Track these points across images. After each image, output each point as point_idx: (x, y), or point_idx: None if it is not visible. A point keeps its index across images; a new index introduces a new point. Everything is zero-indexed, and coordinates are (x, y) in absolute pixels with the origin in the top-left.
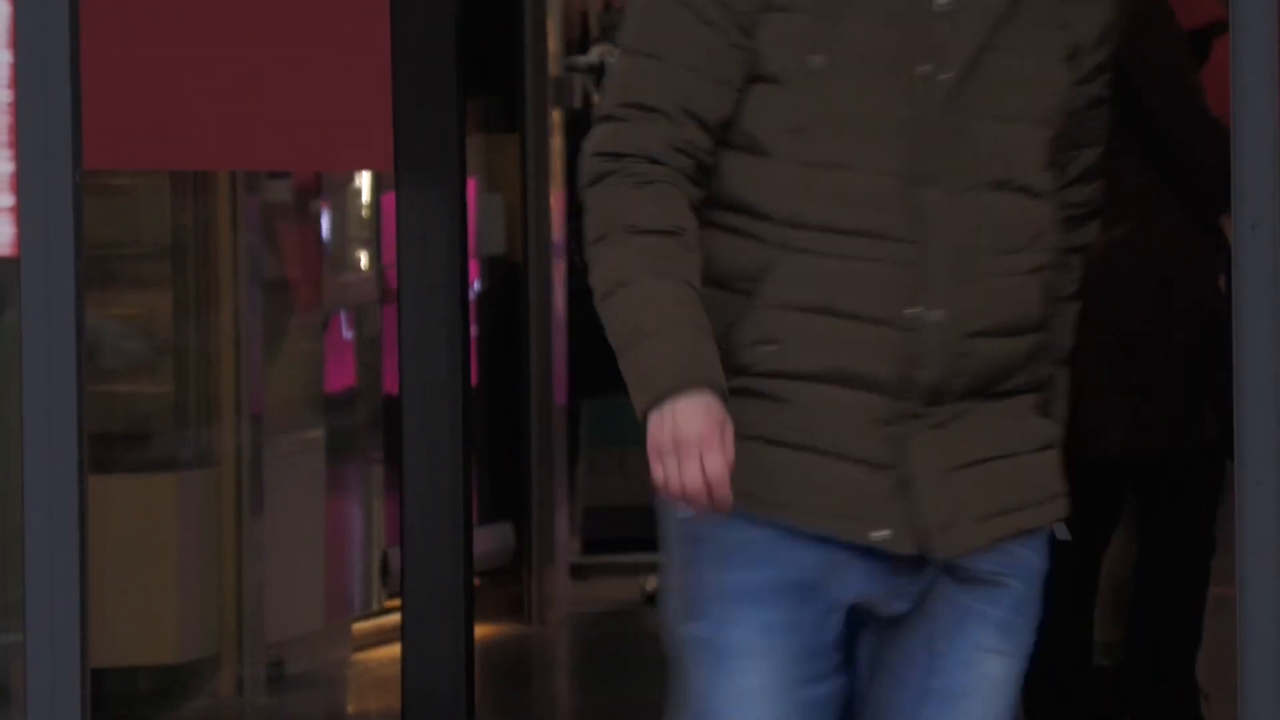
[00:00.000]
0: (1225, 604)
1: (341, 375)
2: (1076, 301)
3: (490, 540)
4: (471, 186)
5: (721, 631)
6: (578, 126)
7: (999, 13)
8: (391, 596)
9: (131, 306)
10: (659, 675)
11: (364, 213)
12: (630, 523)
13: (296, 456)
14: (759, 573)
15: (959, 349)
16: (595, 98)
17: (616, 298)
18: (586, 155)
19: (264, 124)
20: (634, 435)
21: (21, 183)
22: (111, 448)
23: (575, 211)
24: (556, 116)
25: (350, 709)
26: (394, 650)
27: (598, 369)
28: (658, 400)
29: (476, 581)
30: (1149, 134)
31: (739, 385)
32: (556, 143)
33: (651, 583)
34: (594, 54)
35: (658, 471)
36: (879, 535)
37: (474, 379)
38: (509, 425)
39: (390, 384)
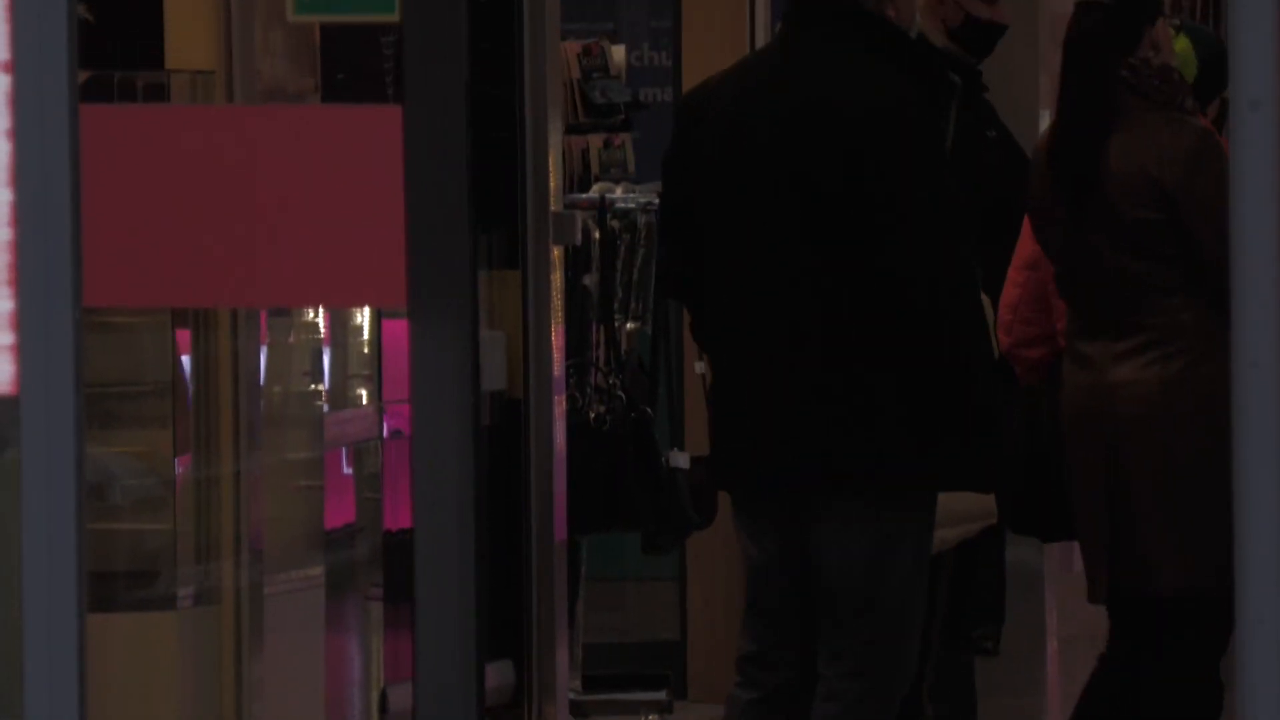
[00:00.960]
0: None
1: (341, 511)
2: None
3: (492, 677)
4: None
5: None
6: (578, 263)
7: None
8: None
9: (134, 444)
10: None
11: (365, 349)
12: (631, 660)
13: (296, 594)
14: None
15: None
16: (595, 234)
17: None
18: None
19: (269, 260)
20: (634, 571)
21: (22, 321)
22: (113, 585)
23: (574, 348)
24: (557, 253)
25: None
26: None
27: (595, 504)
28: None
29: None
30: (1200, 268)
31: None
32: (557, 279)
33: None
34: (595, 190)
35: None
36: None
37: None
38: (508, 561)
39: (390, 520)
